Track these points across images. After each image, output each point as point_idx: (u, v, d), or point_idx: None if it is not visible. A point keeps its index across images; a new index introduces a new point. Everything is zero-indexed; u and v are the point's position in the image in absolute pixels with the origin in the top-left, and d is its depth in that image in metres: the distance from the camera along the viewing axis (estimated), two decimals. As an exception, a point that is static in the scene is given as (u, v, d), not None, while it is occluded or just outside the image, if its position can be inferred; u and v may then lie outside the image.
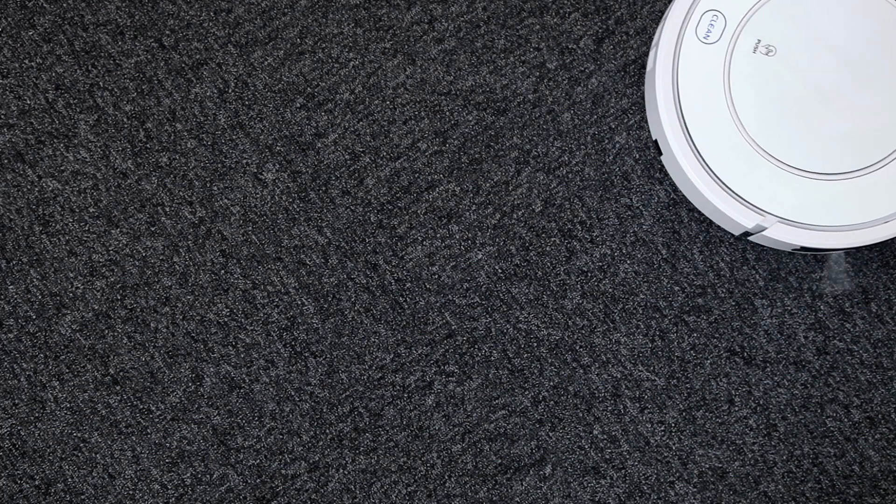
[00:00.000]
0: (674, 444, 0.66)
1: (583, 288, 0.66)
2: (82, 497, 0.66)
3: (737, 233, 0.62)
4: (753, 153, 0.61)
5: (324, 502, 0.66)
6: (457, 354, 0.66)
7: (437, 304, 0.66)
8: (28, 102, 0.67)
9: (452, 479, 0.66)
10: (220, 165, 0.67)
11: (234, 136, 0.67)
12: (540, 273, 0.67)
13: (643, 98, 0.67)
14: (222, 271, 0.67)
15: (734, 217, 0.60)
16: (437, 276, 0.66)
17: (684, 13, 0.61)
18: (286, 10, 0.67)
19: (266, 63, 0.67)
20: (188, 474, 0.66)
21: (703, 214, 0.66)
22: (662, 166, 0.66)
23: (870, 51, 0.61)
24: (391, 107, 0.67)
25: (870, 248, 0.66)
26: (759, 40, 0.61)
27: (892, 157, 0.61)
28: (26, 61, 0.67)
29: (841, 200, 0.61)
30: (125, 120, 0.67)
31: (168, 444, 0.66)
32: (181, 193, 0.67)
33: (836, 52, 0.60)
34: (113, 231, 0.67)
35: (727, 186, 0.61)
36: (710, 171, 0.61)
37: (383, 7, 0.67)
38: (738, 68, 0.61)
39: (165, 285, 0.67)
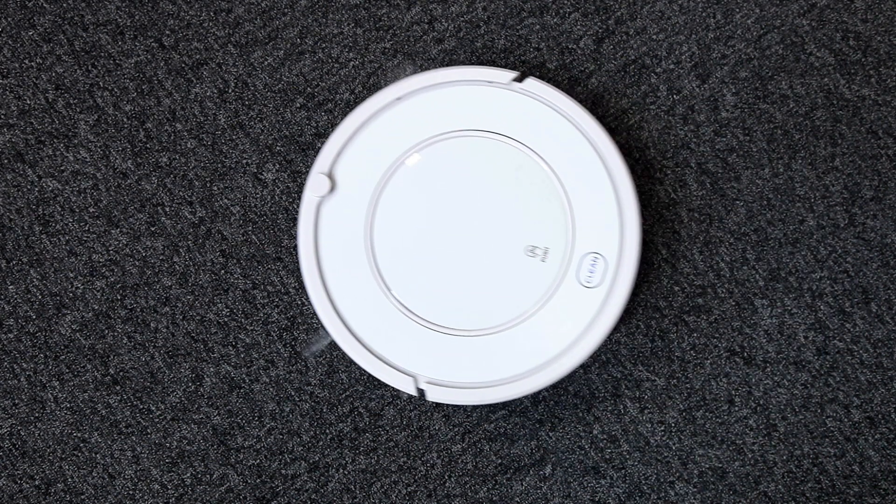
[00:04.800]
0: (674, 444, 0.66)
1: (583, 288, 0.66)
2: (82, 497, 0.66)
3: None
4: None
5: (324, 502, 0.66)
6: (457, 354, 0.66)
7: (437, 304, 0.66)
8: (28, 102, 0.67)
9: (452, 479, 0.66)
10: (220, 165, 0.67)
11: (234, 136, 0.67)
12: (540, 273, 0.66)
13: (641, 99, 0.67)
14: (222, 271, 0.67)
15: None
16: (437, 276, 0.66)
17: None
18: (286, 10, 0.67)
19: (266, 63, 0.67)
20: (188, 474, 0.66)
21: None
22: (662, 166, 0.66)
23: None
24: (391, 107, 0.67)
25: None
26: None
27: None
28: (26, 61, 0.67)
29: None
30: (125, 120, 0.67)
31: (168, 444, 0.66)
32: (181, 193, 0.67)
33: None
34: (113, 231, 0.67)
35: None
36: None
37: (383, 7, 0.67)
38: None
39: (165, 285, 0.66)
